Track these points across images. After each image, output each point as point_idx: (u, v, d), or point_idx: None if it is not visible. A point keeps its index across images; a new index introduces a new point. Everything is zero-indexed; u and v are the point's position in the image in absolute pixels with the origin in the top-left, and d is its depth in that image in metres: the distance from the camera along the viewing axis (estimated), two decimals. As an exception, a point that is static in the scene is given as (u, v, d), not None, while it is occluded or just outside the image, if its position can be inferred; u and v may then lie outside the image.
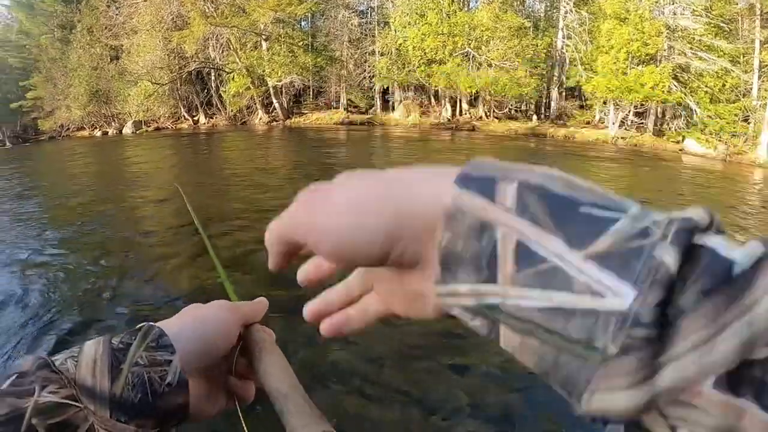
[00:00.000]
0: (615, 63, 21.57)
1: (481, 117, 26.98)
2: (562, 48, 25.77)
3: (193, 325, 0.57)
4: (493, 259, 0.28)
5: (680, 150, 20.53)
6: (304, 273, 0.41)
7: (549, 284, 0.26)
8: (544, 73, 25.83)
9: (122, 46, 34.05)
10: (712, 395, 0.22)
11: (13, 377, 0.45)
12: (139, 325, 0.55)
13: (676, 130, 22.11)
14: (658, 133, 22.42)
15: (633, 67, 21.38)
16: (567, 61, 25.74)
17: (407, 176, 0.34)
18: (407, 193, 0.32)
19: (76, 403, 0.45)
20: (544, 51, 25.56)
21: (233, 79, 30.91)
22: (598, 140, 22.13)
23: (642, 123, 22.91)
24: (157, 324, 0.55)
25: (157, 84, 32.06)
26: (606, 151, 19.58)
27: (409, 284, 0.35)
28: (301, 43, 30.23)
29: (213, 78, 33.61)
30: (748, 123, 20.05)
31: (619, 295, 0.24)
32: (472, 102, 27.91)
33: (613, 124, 22.52)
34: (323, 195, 0.35)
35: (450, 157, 17.26)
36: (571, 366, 0.25)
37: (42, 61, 38.57)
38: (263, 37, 30.05)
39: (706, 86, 20.84)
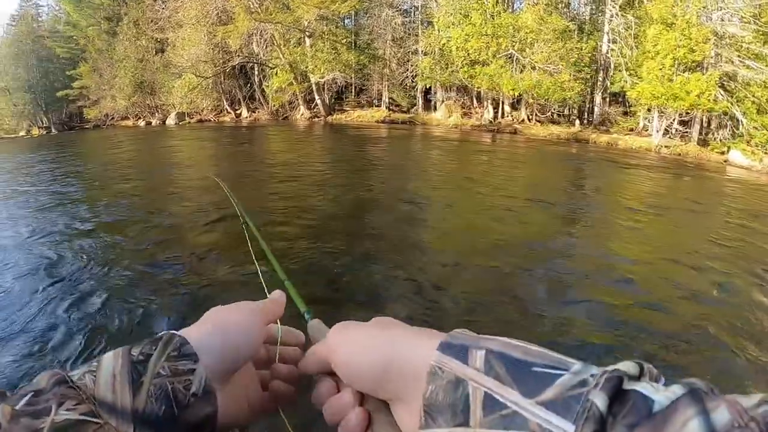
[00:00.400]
0: (661, 69, 21.10)
1: (523, 120, 26.84)
2: (607, 52, 25.34)
3: (215, 331, 0.56)
4: (466, 407, 0.37)
5: (725, 161, 20.07)
6: (318, 396, 0.56)
7: (510, 425, 0.35)
8: (588, 77, 25.46)
9: (167, 39, 34.71)
10: None
11: (29, 396, 0.44)
12: (160, 333, 0.55)
13: (721, 140, 21.59)
14: (703, 142, 21.94)
15: (679, 74, 20.89)
16: (612, 65, 25.27)
17: (406, 333, 0.49)
18: (404, 346, 0.46)
19: (96, 419, 0.44)
20: (589, 55, 25.14)
21: (276, 74, 31.29)
22: (641, 148, 21.79)
23: (686, 132, 22.47)
24: (179, 332, 0.55)
25: (201, 77, 32.61)
26: (648, 160, 19.26)
27: (394, 413, 0.49)
28: (345, 40, 30.44)
29: (256, 73, 34.07)
30: None
31: (563, 431, 0.33)
32: (515, 105, 27.76)
33: (657, 132, 22.15)
34: (347, 333, 0.53)
35: (489, 160, 17.56)
36: None
37: (89, 52, 39.64)
38: (307, 33, 30.28)
39: (753, 96, 20.22)
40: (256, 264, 0.99)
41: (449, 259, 6.55)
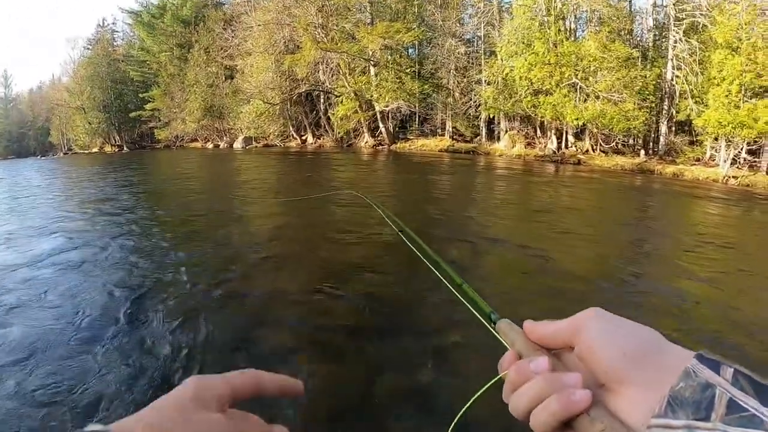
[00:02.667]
0: (727, 96, 20.80)
1: (587, 150, 26.80)
2: (672, 79, 25.02)
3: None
4: (710, 406, 0.44)
5: None
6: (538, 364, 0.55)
7: (748, 424, 0.42)
8: (653, 105, 25.13)
9: (236, 66, 36.01)
10: None
11: None
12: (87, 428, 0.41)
13: None
14: None
15: (746, 101, 20.58)
16: (677, 93, 24.96)
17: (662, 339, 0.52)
18: (668, 344, 0.51)
19: None
20: (653, 83, 24.85)
21: (341, 102, 32.12)
22: (707, 179, 21.44)
23: (756, 161, 22.11)
24: (113, 427, 0.43)
25: (269, 103, 33.74)
26: (715, 191, 18.91)
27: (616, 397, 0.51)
28: (409, 69, 30.95)
29: (322, 100, 35.06)
30: None
31: None
32: (579, 135, 27.72)
33: (724, 162, 21.70)
34: (606, 317, 0.56)
35: (554, 193, 17.45)
36: None
37: (161, 76, 41.63)
38: (372, 62, 31.01)
39: None
40: (435, 272, 1.01)
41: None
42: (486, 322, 0.69)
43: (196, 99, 38.48)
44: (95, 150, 49.05)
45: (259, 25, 33.39)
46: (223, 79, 38.61)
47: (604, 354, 0.52)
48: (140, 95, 44.10)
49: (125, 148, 46.74)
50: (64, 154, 52.89)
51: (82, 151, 50.36)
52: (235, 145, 37.12)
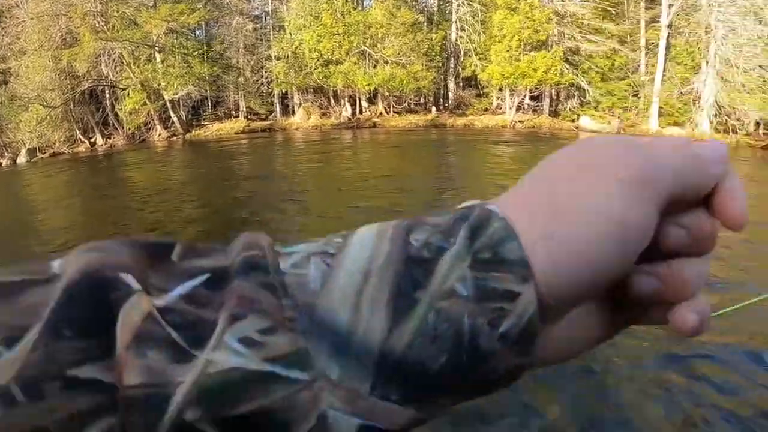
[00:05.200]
0: (508, 51, 21.86)
1: (381, 113, 26.69)
2: (457, 40, 25.86)
3: (568, 252, 0.25)
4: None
5: (576, 128, 20.84)
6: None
7: None
8: (440, 65, 25.84)
9: (10, 69, 32.52)
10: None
11: (194, 282, 0.23)
12: (462, 206, 0.28)
13: (570, 110, 22.60)
14: (554, 114, 22.97)
15: (526, 54, 21.70)
16: (462, 52, 25.83)
17: None
18: None
19: (300, 374, 0.21)
20: (439, 44, 25.56)
21: (128, 95, 29.86)
22: (496, 125, 22.43)
23: (538, 106, 23.38)
24: (496, 208, 0.26)
25: (49, 107, 30.55)
26: (505, 136, 19.78)
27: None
28: (196, 52, 29.47)
29: (108, 96, 32.24)
30: (638, 97, 20.66)
31: None
32: (372, 99, 27.60)
33: (510, 109, 22.80)
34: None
35: (352, 155, 17.79)
36: None
37: None
38: (156, 49, 29.21)
39: (596, 66, 21.42)
40: None
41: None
42: None
43: (-32, 113, 33.98)
44: None
45: (32, 18, 30.31)
46: (-3, 85, 34.53)
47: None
48: None
49: None
50: None
51: None
52: (18, 160, 32.80)
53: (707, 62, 18.56)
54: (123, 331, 0.20)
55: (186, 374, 0.20)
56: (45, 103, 30.46)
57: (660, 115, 19.52)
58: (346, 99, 27.67)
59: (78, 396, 0.19)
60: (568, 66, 21.39)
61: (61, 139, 32.81)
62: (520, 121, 21.99)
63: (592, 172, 0.26)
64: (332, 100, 28.73)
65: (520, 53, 21.63)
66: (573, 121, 21.51)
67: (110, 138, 32.42)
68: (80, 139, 32.98)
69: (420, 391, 0.23)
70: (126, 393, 0.19)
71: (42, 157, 32.49)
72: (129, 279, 0.21)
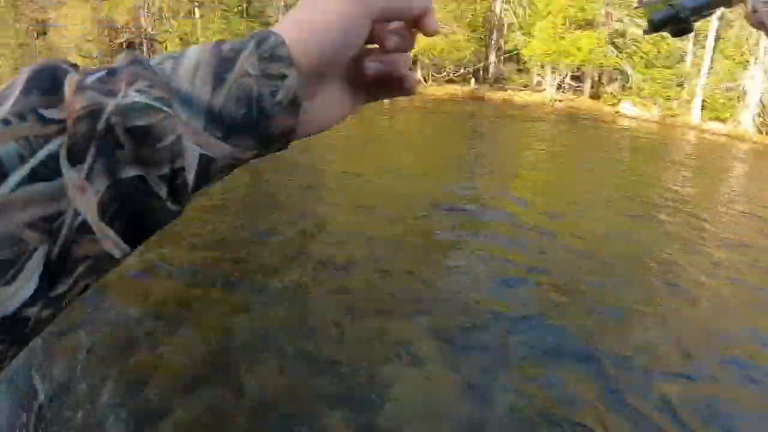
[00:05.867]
0: (552, 28, 21.58)
1: (419, 81, 26.35)
2: (501, 13, 25.65)
3: (316, 30, 0.42)
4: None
5: (616, 112, 20.87)
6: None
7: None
8: (483, 37, 25.64)
9: (50, 19, 32.27)
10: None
11: (102, 73, 0.36)
12: (253, 33, 0.43)
13: (612, 93, 22.30)
14: (595, 96, 22.71)
15: (570, 32, 21.44)
16: (505, 25, 25.66)
17: None
18: None
19: (166, 108, 0.36)
20: (483, 15, 25.37)
21: (166, 48, 28.96)
22: (535, 103, 22.32)
23: (579, 86, 23.16)
24: (275, 30, 0.42)
25: (87, 58, 30.38)
26: (543, 114, 19.83)
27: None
28: (236, 9, 29.53)
29: (145, 49, 32.07)
30: (682, 88, 20.51)
31: None
32: (411, 66, 27.22)
33: (551, 87, 22.72)
34: None
35: (388, 120, 17.42)
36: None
37: (-35, 43, 36.34)
38: (196, 3, 29.23)
39: (641, 52, 21.08)
40: None
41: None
42: None
43: (7, 63, 33.73)
44: None
45: (72, -32, 29.92)
46: (36, 36, 34.32)
47: None
48: (-59, 64, 38.25)
49: None
50: None
51: None
52: (54, 109, 32.98)
53: (756, 59, 18.63)
54: (70, 86, 0.33)
55: (110, 101, 0.33)
56: (83, 54, 30.32)
57: (703, 108, 19.51)
58: (384, 65, 27.41)
59: (46, 126, 0.32)
60: (612, 48, 21.19)
61: (96, 91, 32.91)
62: (559, 101, 21.94)
63: None
64: (370, 65, 28.39)
65: (564, 31, 21.42)
66: (613, 105, 21.44)
67: (145, 91, 32.52)
68: (115, 91, 33.08)
69: (231, 131, 0.39)
70: (75, 114, 0.32)
71: (77, 108, 32.61)
72: (66, 65, 0.35)
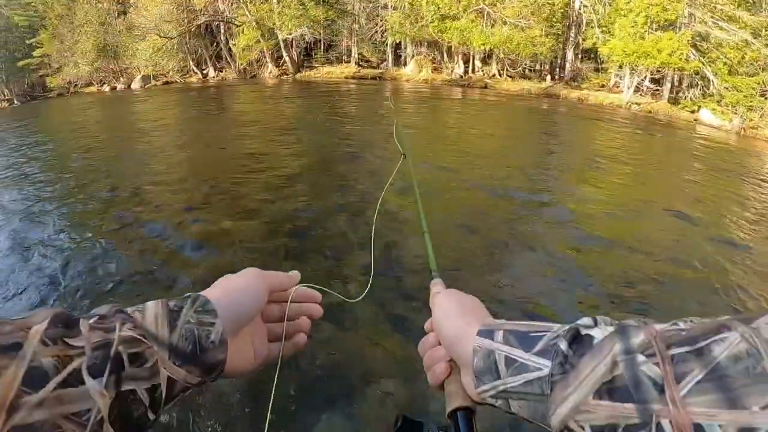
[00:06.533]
0: (633, 27, 20.99)
1: (493, 75, 26.65)
2: (580, 8, 25.05)
3: (231, 294, 0.69)
4: (495, 368, 0.60)
5: (695, 120, 20.13)
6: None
7: (521, 371, 0.56)
8: (560, 33, 25.21)
9: (129, 0, 33.62)
10: (596, 403, 0.47)
11: (97, 317, 0.56)
12: (187, 294, 0.66)
13: (691, 99, 21.60)
14: (673, 101, 21.96)
15: (651, 32, 20.87)
16: (584, 22, 25.05)
17: (471, 319, 0.70)
18: (465, 330, 0.68)
19: (147, 341, 0.57)
20: (561, 10, 24.77)
21: (243, 32, 30.62)
22: (611, 104, 21.86)
23: (657, 90, 22.58)
24: (202, 293, 0.67)
25: (166, 38, 31.77)
26: (619, 116, 19.35)
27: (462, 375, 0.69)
28: (312, -5, 29.75)
29: (222, 31, 33.26)
30: (767, 98, 19.50)
31: (546, 366, 0.53)
32: (486, 60, 27.43)
33: (628, 88, 22.15)
34: (446, 301, 0.77)
35: (459, 113, 17.69)
36: (539, 406, 0.54)
37: (48, 18, 38.10)
38: (274, -12, 29.58)
39: (725, 57, 20.22)
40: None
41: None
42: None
43: (88, 39, 35.43)
44: (-17, 107, 44.87)
45: (152, -49, 30.98)
46: (116, 15, 35.86)
47: (443, 344, 0.74)
48: (27, 41, 40.06)
49: (15, 102, 42.63)
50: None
51: (-31, 112, 46.04)
52: (132, 86, 34.55)
53: None
54: (84, 326, 0.52)
55: (115, 336, 0.54)
56: (162, 34, 31.59)
57: (788, 123, 18.60)
58: (459, 56, 27.58)
59: (71, 349, 0.50)
60: (694, 52, 20.42)
61: (175, 69, 34.23)
62: (636, 103, 21.44)
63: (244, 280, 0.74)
64: (445, 56, 28.54)
65: (645, 31, 20.79)
66: (692, 112, 20.71)
67: (222, 71, 33.63)
68: (193, 70, 34.33)
69: (185, 361, 0.59)
70: (93, 345, 0.51)
71: (155, 84, 34.09)
72: (71, 314, 0.53)
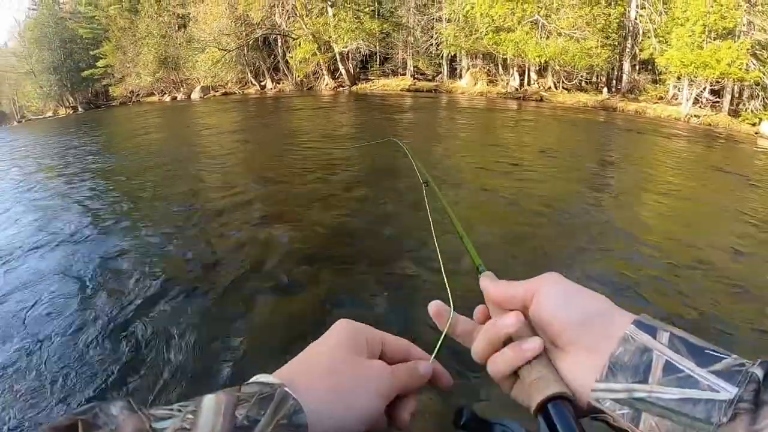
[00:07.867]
0: (690, 36, 20.56)
1: (549, 87, 26.51)
2: (636, 18, 24.75)
3: (336, 400, 0.51)
4: (647, 369, 0.49)
5: (756, 133, 19.45)
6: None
7: (684, 385, 0.47)
8: (616, 44, 24.92)
9: (189, 14, 34.93)
10: None
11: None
12: (268, 389, 0.47)
13: (752, 111, 20.98)
14: (734, 113, 21.39)
15: (709, 41, 20.37)
16: (640, 32, 24.74)
17: (605, 302, 0.57)
18: (608, 311, 0.55)
19: None
20: (617, 21, 24.54)
21: (300, 45, 31.34)
22: (669, 117, 21.42)
23: (717, 101, 22.00)
24: (292, 392, 0.47)
25: (224, 50, 32.74)
26: (677, 129, 18.87)
27: (563, 359, 0.57)
28: (368, 9, 30.27)
29: (279, 44, 34.17)
30: None
31: (728, 391, 0.45)
32: (541, 72, 27.34)
33: (687, 101, 21.66)
34: (559, 282, 0.60)
35: (517, 130, 17.34)
36: None
37: (111, 31, 40.01)
38: (329, 3, 30.21)
39: None
40: (430, 220, 1.03)
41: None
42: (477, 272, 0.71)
43: (150, 51, 37.07)
44: (49, 114, 47.16)
45: (212, -33, 32.10)
46: (176, 28, 37.46)
47: (557, 320, 0.56)
48: (91, 52, 42.25)
49: (80, 109, 44.83)
50: (18, 122, 50.42)
51: (36, 117, 48.45)
52: (192, 96, 35.94)
53: None
54: (119, 423, 0.36)
55: None
56: (221, 47, 32.59)
57: None
58: (515, 68, 27.59)
59: None
60: (754, 61, 19.87)
61: (233, 81, 35.37)
62: (695, 116, 20.89)
63: (361, 383, 0.54)
64: (501, 68, 28.66)
65: (703, 40, 20.31)
66: (753, 125, 20.05)
67: (279, 83, 34.51)
68: (251, 81, 35.36)
69: None
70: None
71: (214, 95, 35.21)
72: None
